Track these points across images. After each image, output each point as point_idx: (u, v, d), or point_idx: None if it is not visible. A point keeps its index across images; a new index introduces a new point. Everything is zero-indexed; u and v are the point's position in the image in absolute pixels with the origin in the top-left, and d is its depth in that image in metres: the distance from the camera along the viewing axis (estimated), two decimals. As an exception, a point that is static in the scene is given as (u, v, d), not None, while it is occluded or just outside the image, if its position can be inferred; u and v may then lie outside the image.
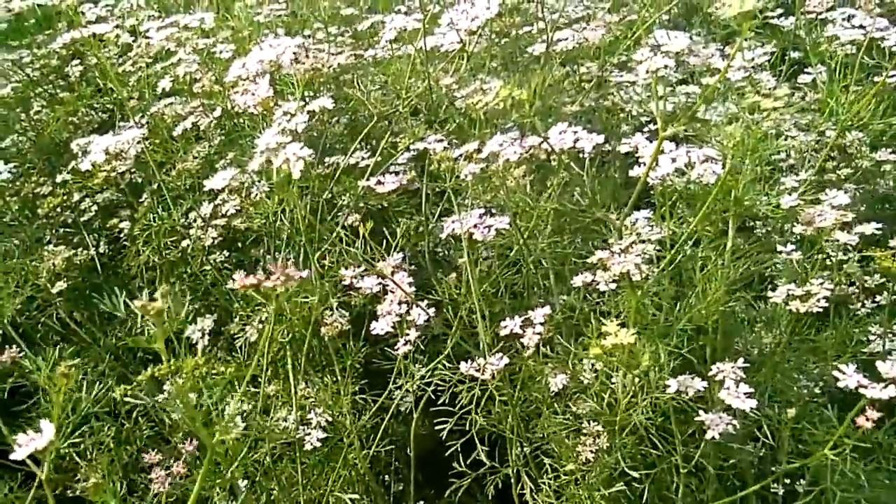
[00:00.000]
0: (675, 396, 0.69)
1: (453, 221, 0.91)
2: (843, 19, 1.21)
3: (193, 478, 0.90)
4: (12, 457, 0.57)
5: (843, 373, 0.62)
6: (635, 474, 0.71)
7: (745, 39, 1.53)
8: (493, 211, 0.93)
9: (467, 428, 0.97)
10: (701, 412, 0.69)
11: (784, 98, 0.67)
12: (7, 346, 1.05)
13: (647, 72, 0.63)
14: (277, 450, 1.11)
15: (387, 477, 1.34)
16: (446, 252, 1.31)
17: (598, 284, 0.79)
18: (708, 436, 0.68)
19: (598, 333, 0.63)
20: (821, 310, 0.75)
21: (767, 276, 1.06)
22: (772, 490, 1.04)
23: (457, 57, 1.13)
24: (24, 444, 0.57)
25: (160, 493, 0.82)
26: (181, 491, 0.99)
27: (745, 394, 0.67)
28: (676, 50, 0.65)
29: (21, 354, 0.82)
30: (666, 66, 0.63)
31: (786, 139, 1.00)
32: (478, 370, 0.80)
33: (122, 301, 0.55)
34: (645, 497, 0.77)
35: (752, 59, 1.36)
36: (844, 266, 1.06)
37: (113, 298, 0.57)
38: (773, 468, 1.09)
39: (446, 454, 1.34)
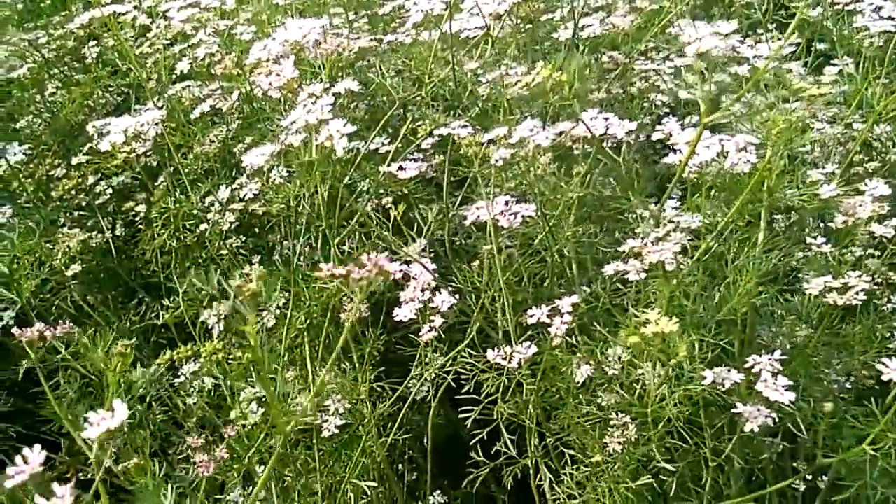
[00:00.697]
0: (708, 389, 0.68)
1: (478, 208, 0.89)
2: (872, 10, 1.18)
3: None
4: (84, 435, 0.56)
5: (887, 366, 0.61)
6: (669, 467, 0.70)
7: (769, 30, 1.51)
8: (518, 198, 0.91)
9: (488, 417, 0.95)
10: (738, 404, 0.68)
11: (830, 85, 0.65)
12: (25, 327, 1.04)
13: (696, 54, 0.62)
14: (293, 436, 1.10)
15: (400, 466, 1.33)
16: (464, 241, 1.30)
17: (627, 274, 0.77)
18: (746, 428, 0.67)
19: (638, 322, 0.62)
20: (859, 302, 0.74)
21: (792, 270, 1.04)
22: (792, 486, 1.03)
23: (480, 42, 1.11)
24: (96, 423, 0.56)
25: (199, 477, 0.81)
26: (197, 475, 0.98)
27: (783, 386, 0.66)
28: (726, 32, 0.63)
29: (74, 330, 0.81)
30: (716, 48, 0.62)
31: (813, 131, 0.98)
32: (504, 359, 0.78)
33: (217, 278, 0.53)
34: (672, 491, 0.76)
35: (778, 49, 1.33)
36: (867, 262, 1.05)
37: (206, 275, 0.55)
38: (794, 464, 1.08)
39: (462, 444, 1.33)
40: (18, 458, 0.58)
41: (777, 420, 0.68)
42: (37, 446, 0.57)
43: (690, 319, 0.71)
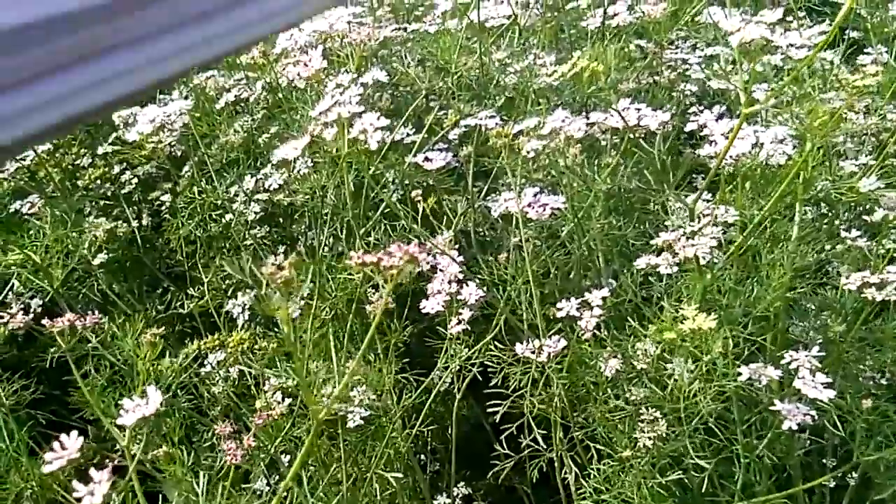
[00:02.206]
0: (743, 385, 0.67)
1: (506, 200, 0.88)
2: (910, -2, 1.16)
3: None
4: (119, 421, 0.56)
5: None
6: (702, 463, 0.69)
7: (799, 19, 1.48)
8: (546, 190, 0.90)
9: (511, 411, 0.95)
10: (776, 402, 0.67)
11: (876, 75, 0.64)
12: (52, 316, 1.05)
13: (741, 43, 0.60)
14: (316, 427, 1.11)
15: (423, 457, 1.33)
16: (486, 233, 1.29)
17: (658, 267, 0.76)
18: (784, 426, 0.66)
19: (672, 318, 0.61)
20: (897, 298, 0.72)
21: (825, 265, 1.02)
22: (821, 484, 1.02)
23: (507, 31, 1.10)
24: (131, 410, 0.56)
25: (226, 466, 0.81)
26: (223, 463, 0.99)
27: (822, 383, 0.65)
28: (770, 21, 0.62)
29: (103, 319, 0.81)
30: (761, 37, 0.60)
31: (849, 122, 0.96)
32: (533, 352, 0.78)
33: (249, 267, 0.53)
34: (703, 487, 0.75)
35: (809, 38, 1.31)
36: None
37: (238, 263, 0.55)
38: (823, 461, 1.07)
39: (484, 437, 1.33)
40: (56, 444, 0.58)
41: (814, 419, 0.67)
42: (73, 433, 0.58)
43: (724, 314, 0.70)
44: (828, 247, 0.90)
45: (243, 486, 1.10)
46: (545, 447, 0.99)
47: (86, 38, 0.13)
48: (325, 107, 0.77)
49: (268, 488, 1.08)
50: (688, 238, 0.69)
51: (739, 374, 0.66)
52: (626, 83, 0.97)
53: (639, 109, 0.77)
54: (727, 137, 0.72)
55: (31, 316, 1.10)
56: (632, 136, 0.72)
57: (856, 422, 0.72)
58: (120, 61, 0.14)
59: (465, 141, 1.06)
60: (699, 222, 0.69)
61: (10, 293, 1.03)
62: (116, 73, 0.14)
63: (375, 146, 0.64)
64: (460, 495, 1.16)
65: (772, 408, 0.67)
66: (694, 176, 1.22)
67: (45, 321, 0.82)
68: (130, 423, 0.57)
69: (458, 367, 1.04)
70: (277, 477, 1.10)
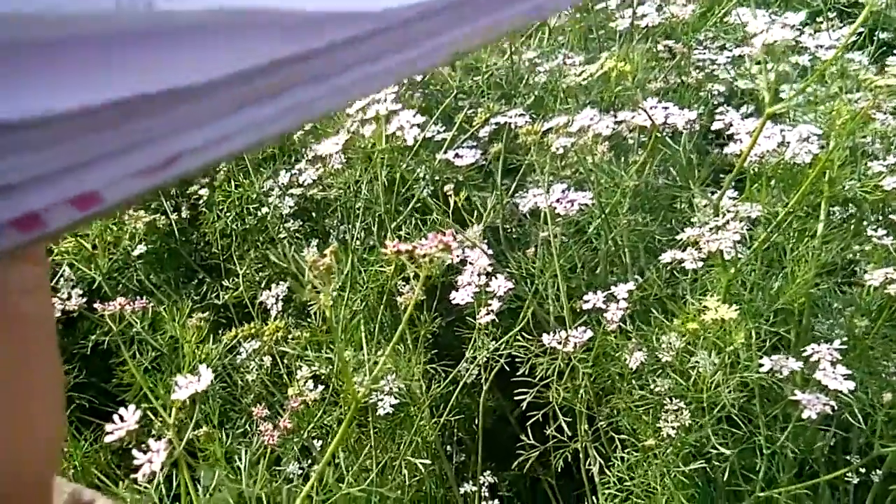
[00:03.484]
0: (765, 376, 0.69)
1: (535, 195, 0.91)
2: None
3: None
4: (174, 396, 0.60)
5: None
6: (726, 451, 0.71)
7: (829, 19, 1.48)
8: (574, 187, 0.93)
9: (536, 401, 0.98)
10: (797, 392, 0.69)
11: (899, 75, 0.65)
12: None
13: (764, 44, 0.62)
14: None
15: (448, 448, 1.36)
16: (514, 229, 1.32)
17: (684, 262, 0.79)
18: (804, 415, 0.68)
19: (695, 309, 0.63)
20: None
21: (849, 262, 1.03)
22: (844, 478, 1.03)
23: (537, 32, 1.13)
24: (185, 386, 0.60)
25: (261, 449, 0.85)
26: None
27: (843, 375, 0.66)
28: (794, 23, 0.64)
29: (149, 303, 0.86)
30: (784, 39, 0.62)
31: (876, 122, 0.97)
32: (559, 343, 0.80)
33: (292, 255, 0.57)
34: (725, 477, 0.77)
35: (839, 38, 1.31)
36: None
37: (283, 251, 0.59)
38: (847, 457, 1.08)
39: (508, 428, 1.35)
40: (116, 417, 0.62)
41: (834, 408, 0.69)
42: (131, 406, 0.62)
43: (748, 308, 0.72)
44: (853, 245, 0.91)
45: (277, 468, 1.14)
46: (570, 438, 1.01)
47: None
48: (361, 104, 0.80)
49: (300, 471, 1.12)
50: (713, 233, 0.71)
51: (761, 365, 0.68)
52: (654, 83, 0.99)
53: (666, 108, 0.79)
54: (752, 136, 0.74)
55: (76, 304, 1.15)
56: (658, 134, 0.74)
57: (876, 415, 0.73)
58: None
59: (494, 138, 1.09)
60: (724, 218, 0.71)
61: (59, 280, 1.08)
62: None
63: (412, 141, 0.67)
64: (486, 484, 1.19)
65: (792, 398, 0.69)
66: (721, 175, 1.24)
67: (96, 305, 0.87)
68: (184, 397, 0.61)
69: (485, 359, 1.07)
70: (309, 461, 1.14)
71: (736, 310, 0.61)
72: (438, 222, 0.94)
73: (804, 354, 0.69)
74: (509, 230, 1.30)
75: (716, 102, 1.21)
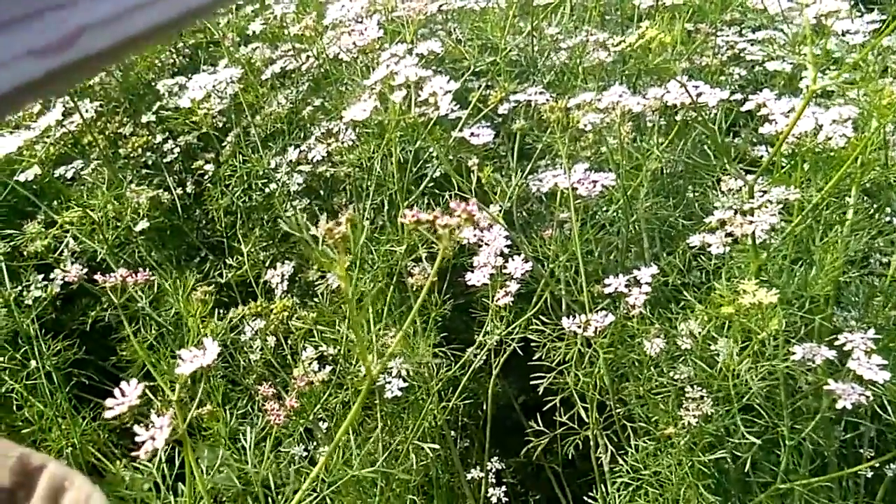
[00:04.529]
0: (795, 365, 0.67)
1: (555, 176, 0.88)
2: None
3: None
4: (177, 370, 0.57)
5: None
6: (753, 438, 0.69)
7: (851, 7, 1.45)
8: (594, 168, 0.90)
9: (553, 387, 0.95)
10: (830, 381, 0.66)
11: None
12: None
13: (816, 16, 0.60)
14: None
15: (453, 433, 1.34)
16: (528, 212, 1.29)
17: (711, 246, 0.76)
18: (839, 405, 0.65)
19: (726, 293, 0.60)
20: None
21: (873, 252, 1.01)
22: (859, 473, 1.01)
23: (557, 9, 1.09)
24: (189, 360, 0.57)
25: (272, 425, 0.83)
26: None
27: (878, 365, 0.64)
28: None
29: (153, 276, 0.83)
30: (838, 8, 0.60)
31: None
32: (579, 326, 0.78)
33: (304, 223, 0.54)
34: (745, 468, 0.75)
35: (862, 26, 1.29)
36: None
37: (292, 219, 0.56)
38: (859, 451, 1.06)
39: (514, 415, 1.33)
40: (117, 391, 0.60)
41: (869, 399, 0.66)
42: (133, 380, 0.59)
43: (783, 294, 0.70)
44: (880, 234, 0.89)
45: (279, 450, 1.12)
46: (581, 425, 0.99)
47: None
48: (381, 75, 0.77)
49: (305, 454, 1.09)
50: (745, 215, 0.68)
51: (792, 353, 0.66)
52: (680, 62, 0.96)
53: (697, 86, 0.77)
54: (787, 116, 0.72)
55: (77, 276, 1.12)
56: (693, 112, 0.71)
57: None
58: None
59: (512, 117, 1.06)
60: (757, 201, 0.69)
61: (64, 251, 1.06)
62: None
63: (445, 109, 0.64)
64: (493, 469, 1.17)
65: (826, 388, 0.66)
66: (739, 164, 1.21)
67: (97, 277, 0.84)
68: (188, 371, 0.58)
69: (496, 343, 1.05)
70: (314, 444, 1.12)
71: (775, 294, 0.58)
72: (458, 198, 0.91)
73: (836, 343, 0.67)
74: (521, 213, 1.27)
75: (738, 86, 1.19)
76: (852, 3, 1.48)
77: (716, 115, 0.75)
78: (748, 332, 0.67)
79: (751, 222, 0.67)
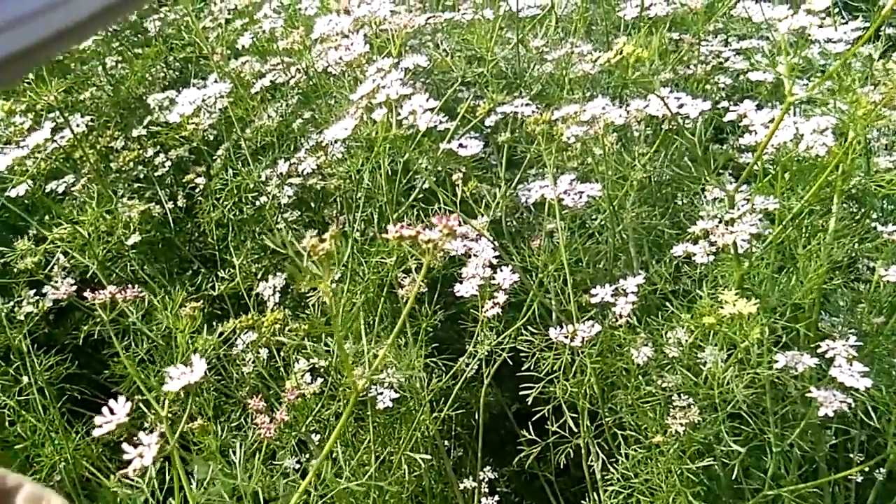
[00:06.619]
0: (779, 373, 0.67)
1: (542, 187, 0.89)
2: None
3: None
4: (165, 388, 0.58)
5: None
6: (738, 447, 0.69)
7: (832, 15, 1.47)
8: (580, 179, 0.91)
9: (539, 396, 0.96)
10: (812, 389, 0.67)
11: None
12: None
13: (789, 30, 0.61)
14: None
15: (447, 442, 1.35)
16: (516, 222, 1.30)
17: (694, 256, 0.77)
18: (820, 413, 0.66)
19: (707, 304, 0.61)
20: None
21: (857, 259, 1.02)
22: (849, 478, 1.02)
23: (542, 21, 1.11)
24: (177, 378, 0.58)
25: (263, 438, 0.83)
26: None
27: (859, 372, 0.65)
28: (820, 9, 0.62)
29: (142, 292, 0.83)
30: (810, 24, 0.61)
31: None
32: (567, 337, 0.79)
33: (290, 240, 0.54)
34: (733, 475, 0.76)
35: (845, 33, 1.30)
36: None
37: (280, 236, 0.57)
38: (849, 456, 1.07)
39: (507, 424, 1.33)
40: (105, 409, 0.60)
41: (851, 406, 0.67)
42: (121, 398, 0.59)
43: (762, 304, 0.71)
44: (863, 240, 0.90)
45: (272, 462, 1.12)
46: (573, 434, 1.00)
47: None
48: (367, 90, 0.78)
49: (298, 466, 1.10)
50: (726, 225, 0.69)
51: (775, 361, 0.67)
52: (664, 73, 0.97)
53: (678, 98, 0.78)
54: (767, 127, 0.73)
55: (66, 293, 1.13)
56: (672, 124, 0.72)
57: (892, 413, 0.72)
58: None
59: (498, 130, 1.07)
60: (738, 210, 0.69)
61: (53, 268, 1.06)
62: None
63: (424, 126, 0.65)
64: (486, 479, 1.17)
65: (808, 395, 0.67)
66: (721, 172, 1.22)
67: (86, 294, 0.84)
68: (176, 388, 0.58)
69: (486, 353, 1.05)
70: (307, 456, 1.12)
71: (755, 304, 0.59)
72: (444, 211, 0.92)
73: (818, 351, 0.68)
74: (512, 224, 1.28)
75: (722, 96, 1.20)
76: (836, 10, 1.50)
77: (699, 125, 0.76)
78: (732, 342, 0.67)
79: (731, 232, 0.67)
